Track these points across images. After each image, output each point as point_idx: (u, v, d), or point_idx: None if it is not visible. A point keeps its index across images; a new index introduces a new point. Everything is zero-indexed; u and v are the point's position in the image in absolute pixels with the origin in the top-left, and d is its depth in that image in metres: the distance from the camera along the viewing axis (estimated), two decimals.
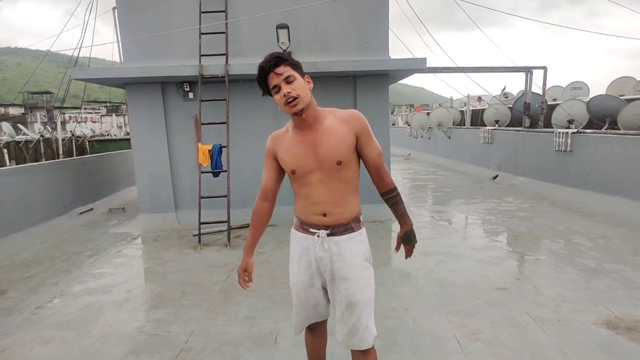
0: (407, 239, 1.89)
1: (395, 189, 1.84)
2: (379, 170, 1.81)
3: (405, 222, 1.87)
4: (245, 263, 1.91)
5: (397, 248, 1.94)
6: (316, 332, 2.04)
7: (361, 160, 1.83)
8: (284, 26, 5.42)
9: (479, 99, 16.81)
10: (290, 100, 1.65)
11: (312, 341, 2.06)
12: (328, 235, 1.77)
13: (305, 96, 1.68)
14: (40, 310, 3.45)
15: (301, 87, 1.67)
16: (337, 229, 1.78)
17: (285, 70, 1.65)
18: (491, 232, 5.28)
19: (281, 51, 1.76)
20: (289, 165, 1.77)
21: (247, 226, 5.78)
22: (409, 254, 1.93)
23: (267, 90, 1.72)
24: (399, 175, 10.75)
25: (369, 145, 1.78)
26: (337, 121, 1.75)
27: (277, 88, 1.67)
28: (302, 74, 1.71)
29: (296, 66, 1.70)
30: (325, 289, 1.88)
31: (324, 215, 1.76)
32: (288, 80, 1.65)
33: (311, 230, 1.80)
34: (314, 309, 1.91)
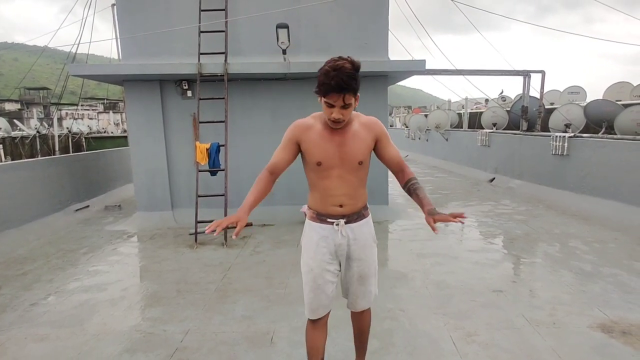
0: (433, 213, 1.87)
1: (415, 177, 2.03)
2: (401, 165, 2.03)
3: (429, 202, 1.93)
4: (239, 217, 1.77)
5: (435, 228, 1.85)
6: (319, 324, 2.09)
7: (382, 160, 2.04)
8: (284, 26, 5.42)
9: (486, 101, 16.61)
10: (336, 121, 1.81)
11: (314, 334, 2.10)
12: (345, 223, 1.98)
13: (348, 119, 1.86)
14: (34, 307, 3.42)
15: (350, 113, 1.83)
16: (352, 217, 2.00)
17: (349, 99, 1.76)
18: (488, 235, 5.30)
19: (351, 65, 1.74)
20: (316, 157, 1.90)
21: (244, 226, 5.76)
22: (444, 219, 1.84)
23: (322, 90, 1.76)
24: None
25: (389, 146, 2.02)
26: (361, 126, 1.94)
27: (332, 105, 1.78)
28: (356, 93, 1.79)
29: (357, 90, 1.78)
30: (338, 272, 2.09)
31: (341, 206, 1.96)
32: (344, 107, 1.78)
33: (329, 220, 1.98)
34: (330, 292, 2.04)
